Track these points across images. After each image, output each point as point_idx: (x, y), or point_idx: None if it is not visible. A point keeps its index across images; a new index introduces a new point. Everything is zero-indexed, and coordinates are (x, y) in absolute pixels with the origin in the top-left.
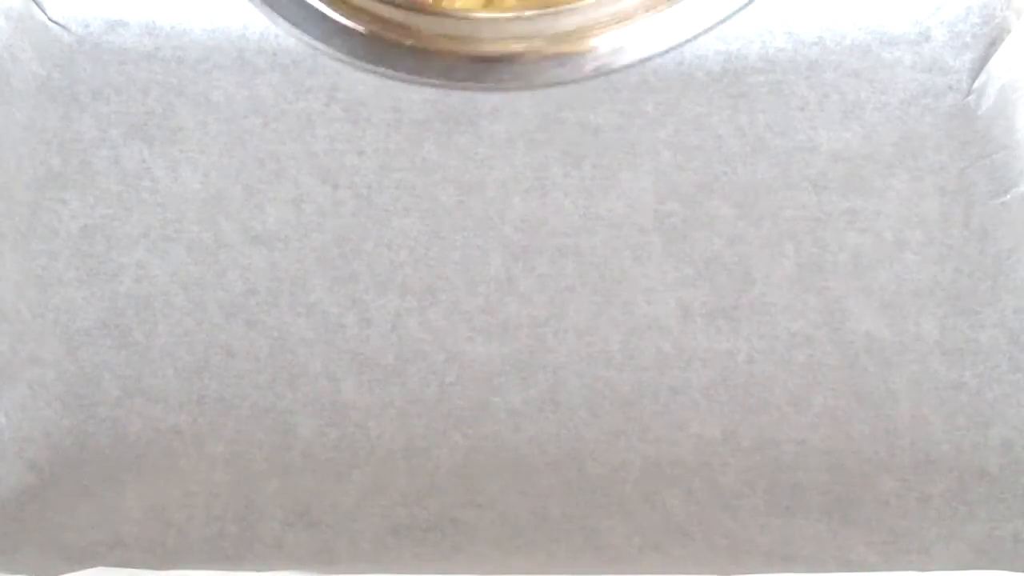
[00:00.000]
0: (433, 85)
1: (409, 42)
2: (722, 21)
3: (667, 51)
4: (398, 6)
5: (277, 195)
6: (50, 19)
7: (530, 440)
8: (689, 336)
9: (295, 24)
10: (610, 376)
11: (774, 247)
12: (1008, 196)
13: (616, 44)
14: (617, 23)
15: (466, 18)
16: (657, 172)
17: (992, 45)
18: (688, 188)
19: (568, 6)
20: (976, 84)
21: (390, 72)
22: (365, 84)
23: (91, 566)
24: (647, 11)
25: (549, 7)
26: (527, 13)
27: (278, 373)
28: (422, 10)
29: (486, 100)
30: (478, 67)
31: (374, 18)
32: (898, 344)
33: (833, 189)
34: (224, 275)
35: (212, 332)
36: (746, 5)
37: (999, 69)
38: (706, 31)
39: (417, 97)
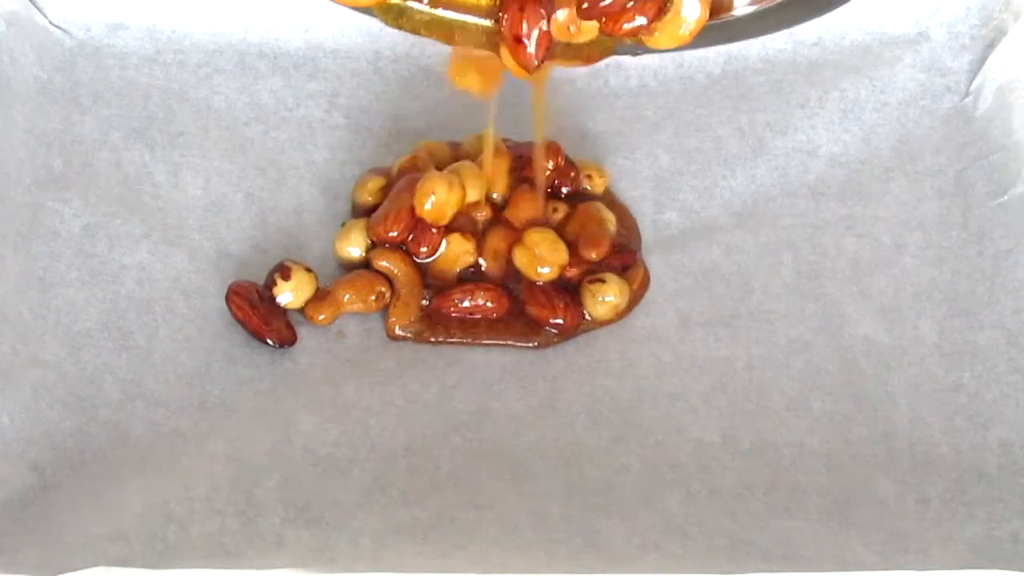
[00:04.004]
0: None
1: None
2: None
3: None
4: None
5: (277, 204)
6: (51, 23)
7: (530, 445)
8: (688, 345)
9: None
10: (609, 384)
11: (772, 256)
12: (1006, 197)
13: None
14: None
15: None
16: (656, 178)
17: (990, 47)
18: (687, 195)
19: None
20: (973, 85)
21: None
22: (366, 90)
23: (92, 563)
24: None
25: None
26: None
27: (279, 379)
28: None
29: (486, 106)
30: None
31: None
32: (896, 347)
33: (831, 195)
34: (225, 285)
35: (213, 339)
36: None
37: (995, 70)
38: None
39: (417, 105)
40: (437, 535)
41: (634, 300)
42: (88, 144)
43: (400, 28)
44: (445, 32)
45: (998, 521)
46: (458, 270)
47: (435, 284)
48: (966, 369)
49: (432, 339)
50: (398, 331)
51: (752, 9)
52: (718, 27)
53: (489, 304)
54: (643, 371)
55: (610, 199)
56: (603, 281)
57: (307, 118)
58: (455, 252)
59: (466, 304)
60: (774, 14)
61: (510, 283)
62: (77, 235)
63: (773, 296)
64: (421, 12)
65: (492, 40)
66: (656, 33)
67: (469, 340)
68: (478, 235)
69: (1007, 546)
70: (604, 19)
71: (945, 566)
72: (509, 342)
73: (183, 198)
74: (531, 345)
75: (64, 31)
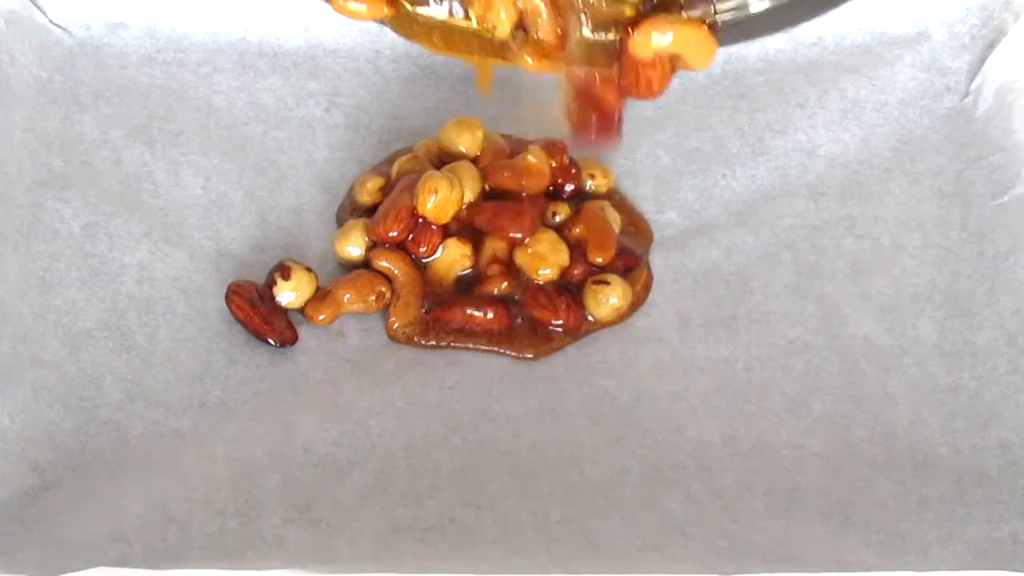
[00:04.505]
0: None
1: None
2: None
3: None
4: None
5: (277, 203)
6: (51, 21)
7: (530, 445)
8: (688, 345)
9: None
10: (609, 385)
11: (772, 256)
12: (1006, 197)
13: None
14: None
15: None
16: (656, 178)
17: (990, 47)
18: (687, 195)
19: None
20: (973, 85)
21: None
22: (366, 89)
23: (92, 563)
24: None
25: None
26: None
27: (279, 379)
28: None
29: (485, 108)
30: None
31: None
32: (896, 348)
33: (831, 196)
34: (224, 285)
35: (213, 339)
36: None
37: (995, 70)
38: None
39: (417, 104)
40: (437, 535)
41: (637, 302)
42: (88, 143)
43: (409, 37)
44: (451, 39)
45: (998, 522)
46: (455, 275)
47: (433, 291)
48: (966, 370)
49: (429, 344)
50: (397, 330)
51: (767, 5)
52: (735, 26)
53: (489, 316)
54: (643, 371)
55: (618, 199)
56: (607, 283)
57: (307, 117)
58: (452, 256)
59: (468, 313)
60: (788, 8)
61: (510, 291)
62: (77, 235)
63: (773, 296)
64: (430, 19)
65: (496, 48)
66: (686, 61)
67: (468, 346)
68: (475, 240)
69: (1007, 547)
70: (635, 92)
71: (945, 567)
72: (508, 352)
73: (183, 197)
74: (528, 357)
75: (64, 30)
